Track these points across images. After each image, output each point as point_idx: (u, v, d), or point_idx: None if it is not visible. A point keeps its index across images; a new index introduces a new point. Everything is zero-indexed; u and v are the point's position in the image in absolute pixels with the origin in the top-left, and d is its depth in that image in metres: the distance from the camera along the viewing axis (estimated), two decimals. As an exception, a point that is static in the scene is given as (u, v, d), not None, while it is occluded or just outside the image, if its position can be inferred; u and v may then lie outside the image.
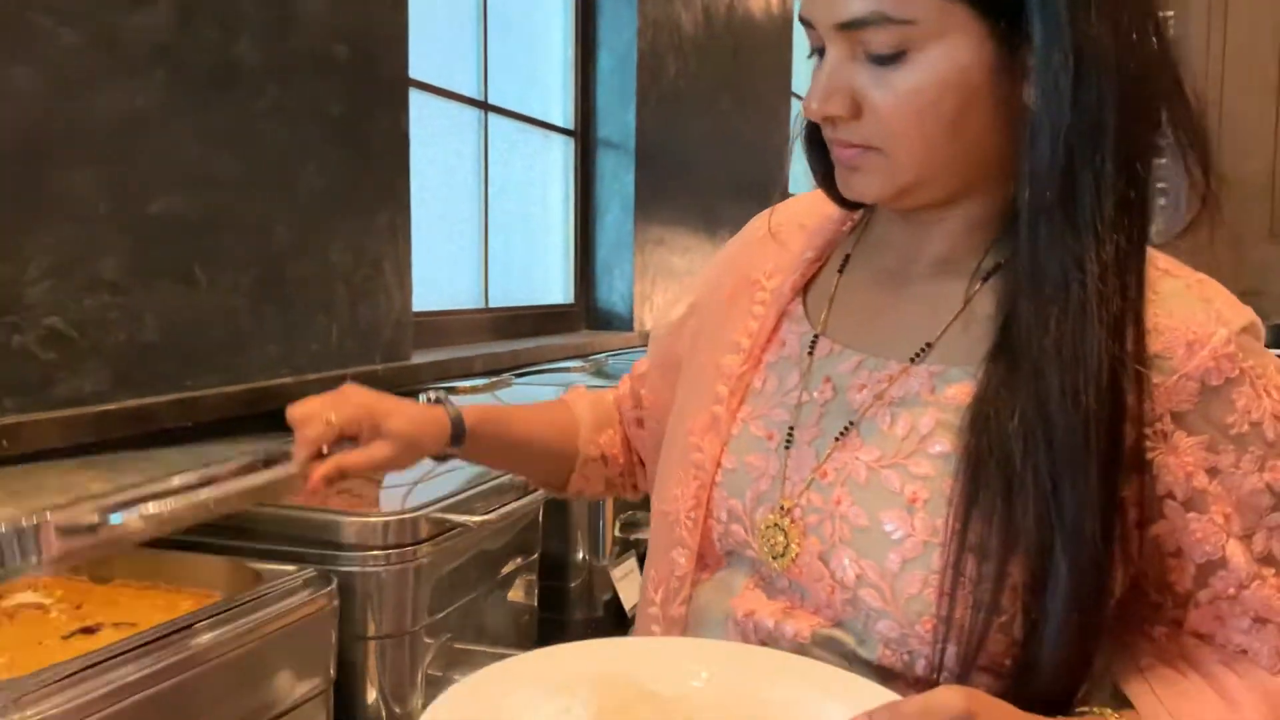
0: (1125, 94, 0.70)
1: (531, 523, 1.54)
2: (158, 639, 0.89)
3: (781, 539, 0.81)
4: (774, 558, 0.81)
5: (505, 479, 1.46)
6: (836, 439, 0.81)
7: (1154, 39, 0.72)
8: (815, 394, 0.84)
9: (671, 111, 3.67)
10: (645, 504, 1.97)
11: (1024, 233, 0.73)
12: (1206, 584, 0.75)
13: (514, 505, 1.39)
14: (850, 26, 0.73)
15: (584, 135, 3.42)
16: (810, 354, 0.86)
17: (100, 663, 0.83)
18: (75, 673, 0.81)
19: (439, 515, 1.27)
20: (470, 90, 2.85)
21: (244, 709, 0.98)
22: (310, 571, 1.08)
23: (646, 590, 0.92)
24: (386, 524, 1.22)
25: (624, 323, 3.45)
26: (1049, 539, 0.69)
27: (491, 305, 2.95)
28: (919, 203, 0.80)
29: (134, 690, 0.85)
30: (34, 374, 1.44)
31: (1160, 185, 0.78)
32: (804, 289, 0.91)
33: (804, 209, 0.95)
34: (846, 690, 0.69)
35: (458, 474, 1.47)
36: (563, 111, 3.38)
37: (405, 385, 2.20)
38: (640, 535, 1.95)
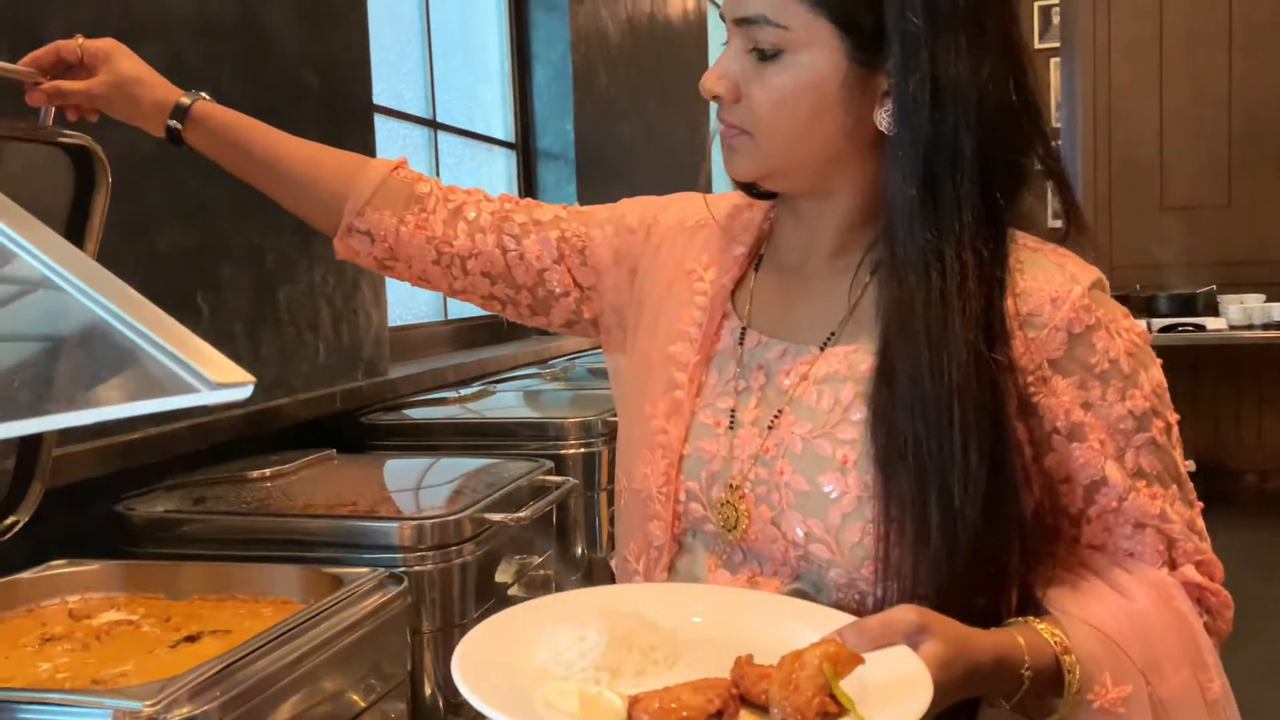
0: (983, 128, 0.86)
1: (545, 523, 1.64)
2: (274, 639, 0.98)
3: (733, 514, 0.94)
4: (728, 530, 0.94)
5: (524, 480, 1.56)
6: (774, 419, 0.94)
7: (1014, 93, 0.88)
8: (751, 381, 0.97)
9: (606, 119, 3.78)
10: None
11: (890, 231, 0.88)
12: (1094, 501, 0.90)
13: (539, 504, 1.49)
14: (742, 22, 0.89)
15: (525, 147, 3.52)
16: (741, 344, 0.99)
17: (235, 663, 0.92)
18: (225, 668, 0.90)
19: (479, 515, 1.37)
20: (419, 109, 2.93)
21: (339, 703, 1.07)
22: (383, 572, 1.17)
23: (627, 562, 1.02)
24: (434, 525, 1.31)
25: (574, 327, 3.55)
26: (927, 492, 0.84)
27: (450, 317, 3.04)
28: (784, 188, 0.96)
29: (263, 688, 0.94)
30: (63, 408, 1.49)
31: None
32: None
33: (731, 203, 1.07)
34: (818, 618, 0.83)
35: (480, 478, 1.58)
36: (503, 125, 3.47)
37: (387, 399, 2.28)
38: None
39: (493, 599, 1.44)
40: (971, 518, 0.83)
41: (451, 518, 1.33)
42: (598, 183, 3.65)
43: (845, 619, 0.81)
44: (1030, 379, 0.87)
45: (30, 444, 1.26)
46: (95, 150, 1.16)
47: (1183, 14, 5.46)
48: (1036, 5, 7.53)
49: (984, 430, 0.84)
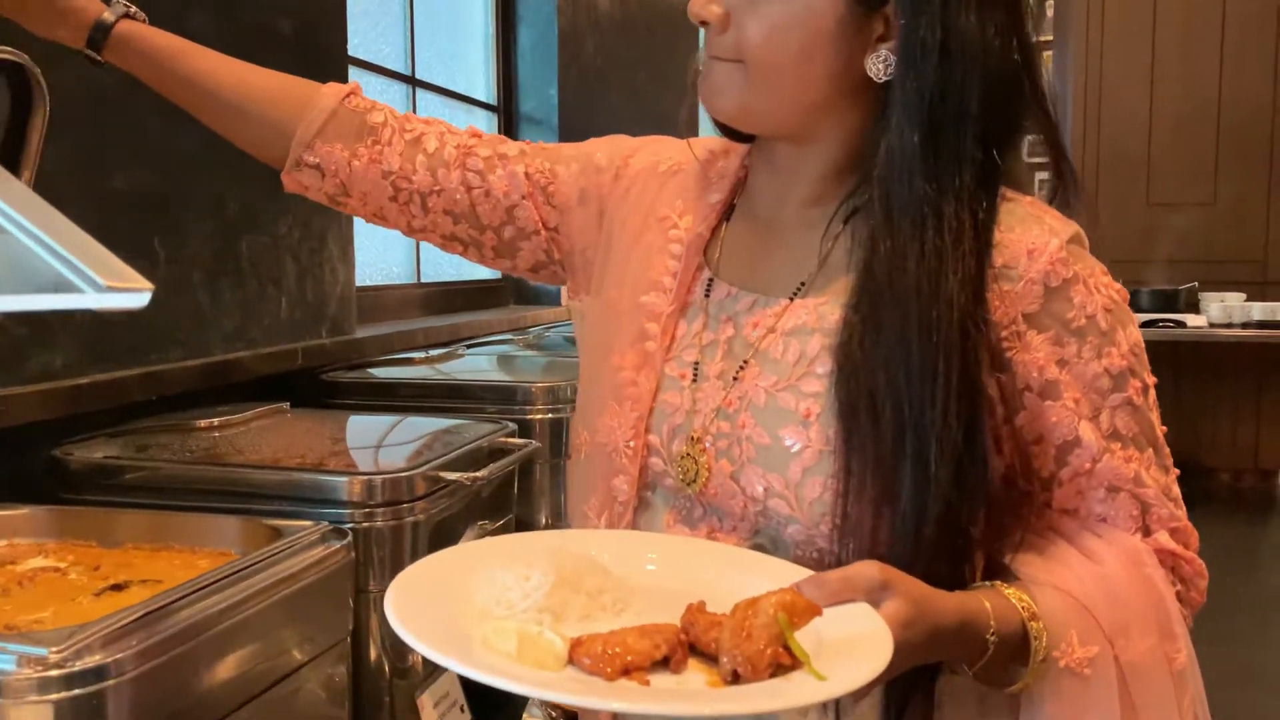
0: (987, 85, 0.82)
1: (505, 487, 1.59)
2: (202, 589, 0.93)
3: (693, 467, 0.90)
4: (687, 484, 0.90)
5: (484, 441, 1.51)
6: (739, 371, 0.90)
7: (1017, 53, 0.85)
8: (718, 333, 0.93)
9: (592, 86, 3.72)
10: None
11: (886, 181, 0.84)
12: (1066, 463, 0.86)
13: (497, 465, 1.44)
14: None
15: (506, 110, 3.45)
16: (707, 296, 0.95)
17: (154, 611, 0.87)
18: (142, 616, 0.85)
19: (433, 473, 1.32)
20: (397, 65, 2.86)
21: (273, 659, 1.02)
22: (326, 526, 1.12)
23: (587, 518, 0.97)
24: (385, 481, 1.26)
25: (551, 298, 3.50)
26: (900, 455, 0.80)
27: (424, 280, 2.97)
28: (763, 129, 0.92)
29: (185, 638, 0.89)
30: (7, 349, 1.43)
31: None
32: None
33: (708, 149, 1.02)
34: (777, 571, 0.79)
35: (440, 438, 1.52)
36: (485, 87, 3.40)
37: (352, 359, 2.22)
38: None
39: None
40: (944, 483, 0.80)
41: (404, 474, 1.28)
42: (580, 151, 3.59)
43: (805, 573, 0.77)
44: (1004, 333, 0.83)
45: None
46: (31, 69, 1.08)
47: (1177, 11, 5.43)
48: (1032, -4, 7.50)
49: (964, 394, 0.80)
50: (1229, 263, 5.42)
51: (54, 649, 0.78)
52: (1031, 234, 0.85)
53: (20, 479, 1.40)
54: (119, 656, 0.81)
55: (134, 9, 1.03)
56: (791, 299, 0.91)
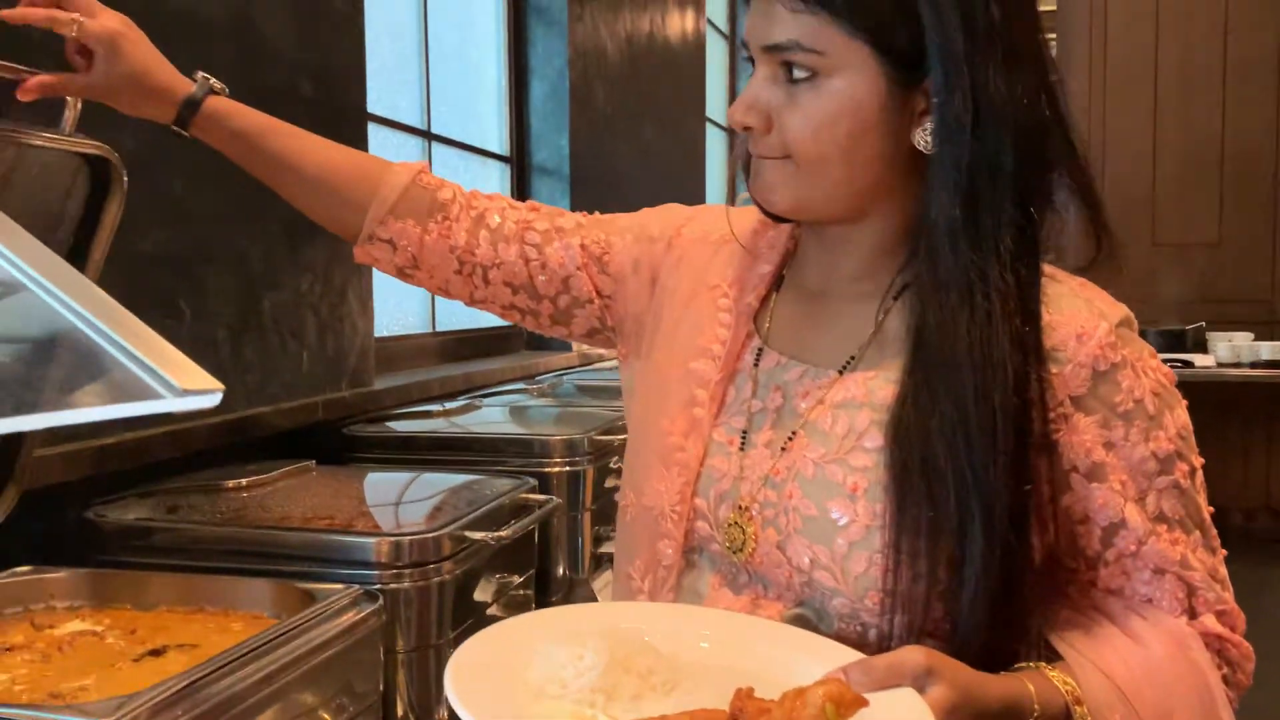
0: (1019, 145, 0.84)
1: (526, 542, 1.61)
2: (242, 656, 0.95)
3: (739, 535, 0.91)
4: (734, 551, 0.92)
5: (506, 499, 1.53)
6: (787, 441, 0.92)
7: (1046, 107, 0.86)
8: (767, 402, 0.95)
9: (602, 137, 3.77)
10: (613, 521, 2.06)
11: (932, 252, 0.85)
12: (1111, 544, 0.87)
13: (520, 523, 1.46)
14: (773, 49, 0.86)
15: (519, 161, 3.50)
16: (757, 365, 0.96)
17: (199, 680, 0.89)
18: (186, 686, 0.87)
19: (459, 533, 1.34)
20: (413, 120, 2.91)
21: (308, 721, 1.04)
22: (358, 590, 1.14)
23: (632, 580, 0.99)
24: (412, 543, 1.28)
25: (561, 344, 3.53)
26: (967, 518, 0.81)
27: (439, 329, 3.01)
28: (819, 217, 0.93)
29: (228, 706, 0.90)
30: (37, 410, 1.46)
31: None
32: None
33: (757, 219, 1.04)
34: (825, 652, 0.81)
35: (461, 494, 1.55)
36: (499, 138, 3.45)
37: (370, 410, 2.24)
38: (610, 550, 2.03)
39: (470, 619, 1.41)
40: (1010, 544, 0.81)
41: (430, 535, 1.30)
42: (592, 199, 3.63)
43: (853, 655, 0.79)
44: (1052, 415, 0.85)
45: (9, 446, 1.23)
46: (113, 160, 1.12)
47: (1178, 50, 5.49)
48: (1033, 39, 7.57)
49: (1019, 456, 0.82)
50: (1236, 302, 5.44)
51: (104, 721, 0.80)
52: (1080, 317, 0.86)
53: (50, 539, 1.42)
54: (170, 727, 0.83)
55: (216, 82, 1.07)
56: (841, 372, 0.92)
